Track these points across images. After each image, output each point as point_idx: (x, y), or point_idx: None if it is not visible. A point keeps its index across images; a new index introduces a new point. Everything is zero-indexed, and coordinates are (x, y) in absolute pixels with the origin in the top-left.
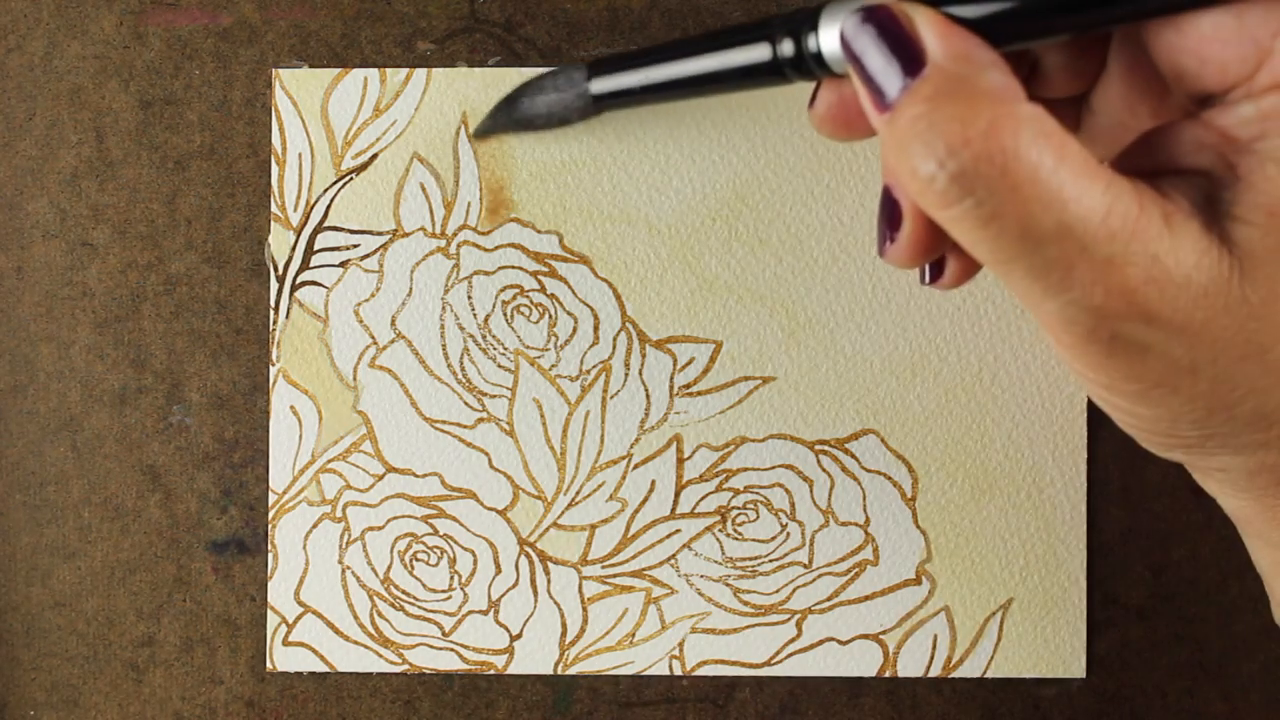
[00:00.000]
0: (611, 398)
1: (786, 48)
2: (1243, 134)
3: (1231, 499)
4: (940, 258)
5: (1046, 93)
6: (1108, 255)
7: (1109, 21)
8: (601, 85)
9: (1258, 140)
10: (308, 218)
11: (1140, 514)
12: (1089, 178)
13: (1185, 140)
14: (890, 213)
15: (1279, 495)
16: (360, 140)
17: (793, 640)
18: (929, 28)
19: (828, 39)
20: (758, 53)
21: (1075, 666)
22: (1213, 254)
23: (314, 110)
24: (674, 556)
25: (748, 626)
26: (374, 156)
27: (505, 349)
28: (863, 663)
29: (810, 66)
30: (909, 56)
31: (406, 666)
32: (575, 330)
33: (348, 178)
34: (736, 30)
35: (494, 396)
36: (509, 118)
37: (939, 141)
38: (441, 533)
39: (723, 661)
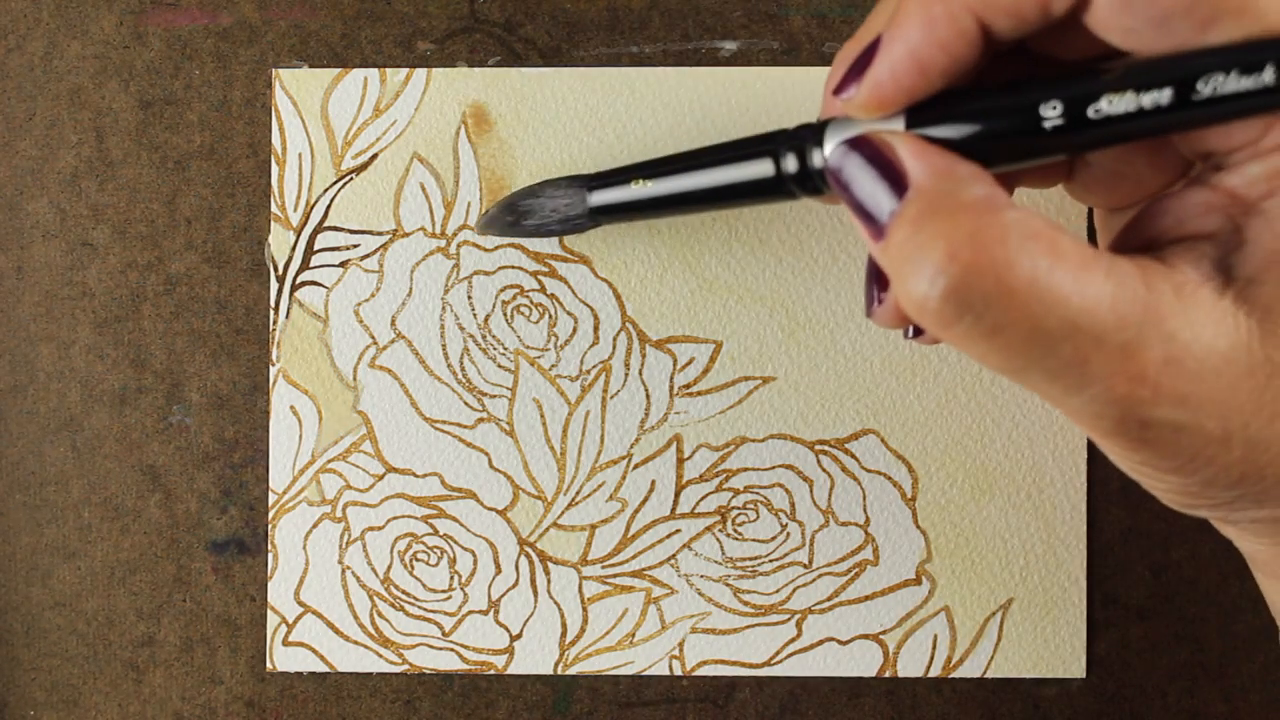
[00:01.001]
0: (611, 398)
1: (790, 163)
2: (1251, 194)
3: (1251, 542)
4: None
5: None
6: (1121, 343)
7: (1107, 143)
8: (600, 198)
9: (1266, 199)
10: (308, 218)
11: (1140, 514)
12: (1088, 269)
13: (1190, 205)
14: (878, 275)
15: None
16: (360, 140)
17: (793, 640)
18: (906, 149)
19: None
20: (761, 168)
21: (1075, 666)
22: (1229, 320)
23: (314, 110)
24: (674, 556)
25: (748, 626)
26: (374, 156)
27: (505, 349)
28: (863, 663)
29: (816, 183)
30: (893, 180)
31: (406, 666)
32: (575, 330)
33: (348, 178)
34: (738, 145)
35: (494, 396)
36: (505, 222)
37: (926, 261)
38: (441, 533)
39: (723, 661)
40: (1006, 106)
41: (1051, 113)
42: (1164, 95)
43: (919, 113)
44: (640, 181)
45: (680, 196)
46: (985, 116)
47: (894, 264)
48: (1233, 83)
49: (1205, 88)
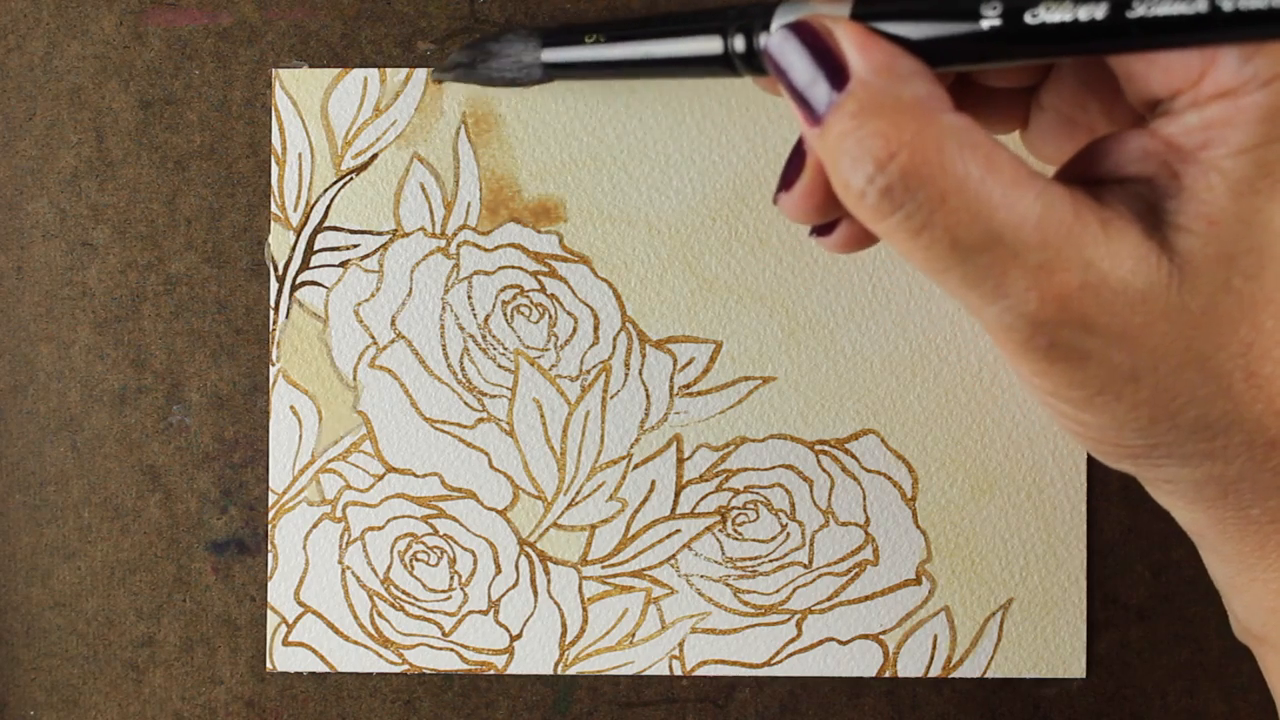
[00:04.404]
0: (611, 398)
1: (738, 43)
2: (1187, 143)
3: (1183, 511)
4: (836, 220)
5: (995, 83)
6: (1040, 261)
7: (1046, 55)
8: (554, 55)
9: (1202, 149)
10: (308, 218)
11: (1140, 514)
12: (1020, 186)
13: (1131, 149)
14: (794, 163)
15: (1227, 507)
16: (360, 140)
17: (793, 640)
18: (849, 40)
19: None
20: (709, 44)
21: (1075, 666)
22: (1151, 261)
23: (314, 110)
24: (674, 556)
25: (748, 626)
26: (374, 156)
27: (505, 349)
28: (863, 663)
29: (761, 63)
30: (833, 70)
31: (406, 666)
32: (575, 330)
33: (348, 178)
34: (692, 17)
35: (494, 396)
36: (465, 70)
37: (866, 157)
38: (441, 533)
39: (723, 661)
40: (949, 3)
41: (991, 13)
42: (1100, 10)
43: (865, 2)
44: (593, 39)
45: (631, 62)
46: (927, 13)
47: (831, 154)
48: (1166, 6)
49: (1140, 7)
